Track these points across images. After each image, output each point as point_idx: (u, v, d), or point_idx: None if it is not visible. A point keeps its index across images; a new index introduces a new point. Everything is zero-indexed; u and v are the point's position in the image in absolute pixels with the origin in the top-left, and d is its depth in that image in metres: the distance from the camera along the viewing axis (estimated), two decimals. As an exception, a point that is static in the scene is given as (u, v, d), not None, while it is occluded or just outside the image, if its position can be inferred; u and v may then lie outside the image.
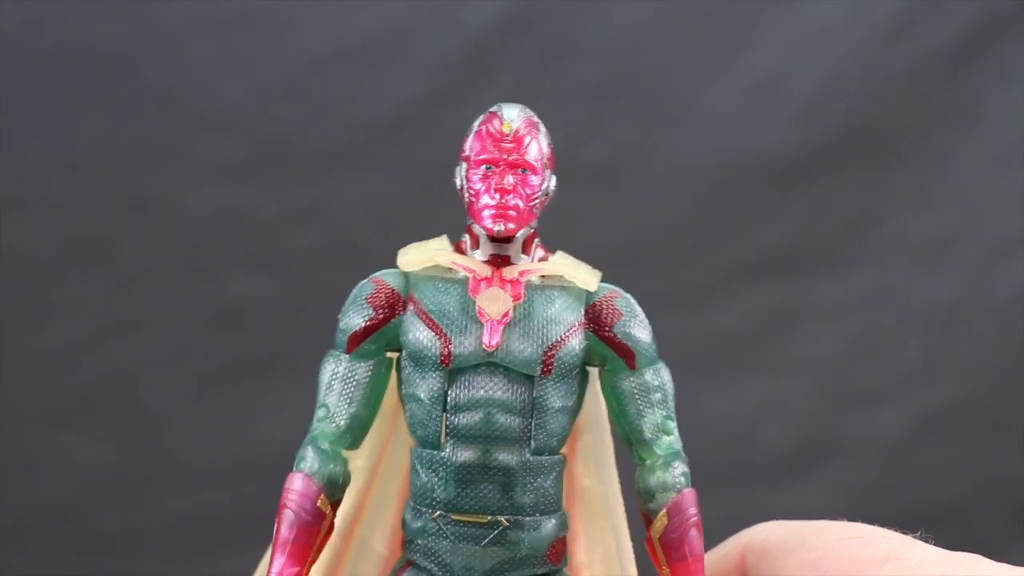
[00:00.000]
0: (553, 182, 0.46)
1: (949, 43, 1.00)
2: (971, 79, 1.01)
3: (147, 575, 0.94)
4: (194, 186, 0.96)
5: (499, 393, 0.44)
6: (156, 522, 0.95)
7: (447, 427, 0.44)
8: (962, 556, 0.43)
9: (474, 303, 0.44)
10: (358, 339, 0.45)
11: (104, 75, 0.96)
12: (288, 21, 0.97)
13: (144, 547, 0.94)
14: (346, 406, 0.45)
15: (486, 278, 0.44)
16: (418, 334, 0.44)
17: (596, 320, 0.45)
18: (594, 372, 0.46)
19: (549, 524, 0.44)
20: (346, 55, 0.97)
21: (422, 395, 0.44)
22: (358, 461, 0.47)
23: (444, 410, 0.44)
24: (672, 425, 0.45)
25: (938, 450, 1.00)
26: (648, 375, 0.45)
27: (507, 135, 0.45)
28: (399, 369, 0.45)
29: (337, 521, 0.45)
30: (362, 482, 0.47)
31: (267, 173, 0.97)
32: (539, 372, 0.44)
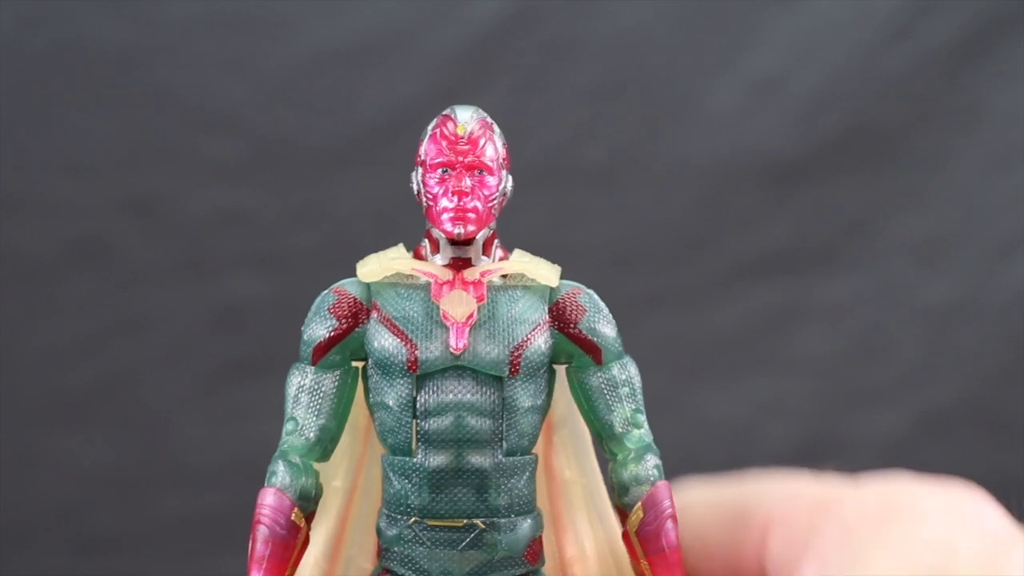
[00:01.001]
0: (510, 182, 0.46)
1: (950, 43, 1.00)
2: (972, 79, 1.01)
3: (147, 575, 0.94)
4: (194, 186, 0.96)
5: (468, 396, 0.43)
6: (156, 522, 0.95)
7: (418, 433, 0.43)
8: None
9: (438, 308, 0.43)
10: (323, 350, 0.45)
11: (104, 75, 0.96)
12: (288, 21, 0.97)
13: (144, 547, 0.94)
14: (314, 418, 0.45)
15: (448, 282, 0.44)
16: (384, 341, 0.44)
17: (560, 317, 0.45)
18: (561, 369, 0.46)
19: (525, 524, 0.44)
20: (346, 55, 0.97)
21: (391, 402, 0.44)
22: (335, 482, 0.46)
23: (414, 416, 0.43)
24: (642, 418, 0.45)
25: (938, 450, 1.00)
26: (615, 370, 0.45)
27: (462, 137, 0.44)
28: (365, 379, 0.45)
29: (321, 543, 0.45)
30: (341, 502, 0.46)
31: (267, 173, 0.97)
32: (507, 372, 0.43)
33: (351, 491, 0.47)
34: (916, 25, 1.00)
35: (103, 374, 0.95)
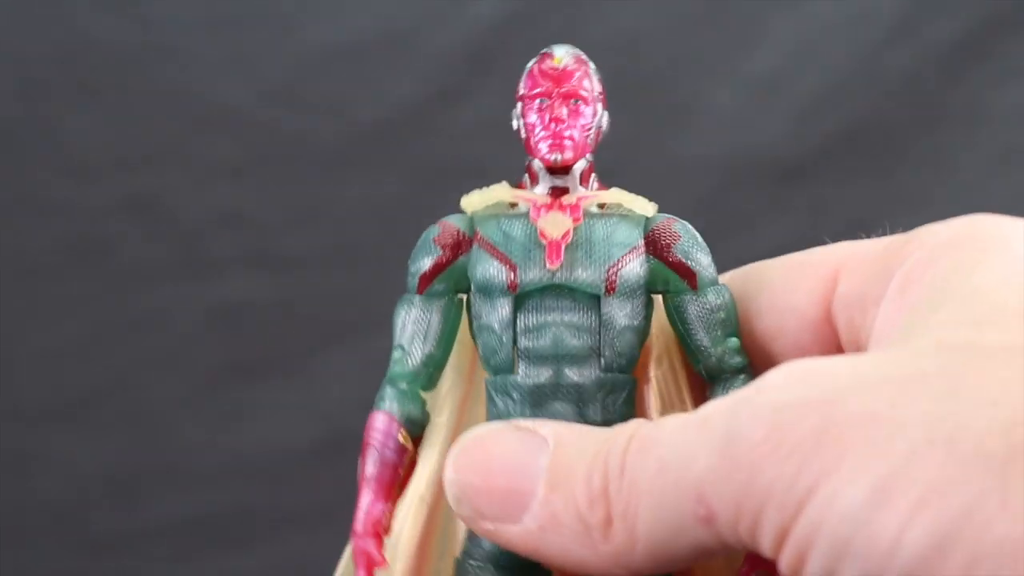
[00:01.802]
0: (606, 118, 0.47)
1: (950, 43, 1.00)
2: (973, 79, 1.01)
3: (147, 575, 0.94)
4: (194, 186, 0.96)
5: (566, 314, 0.45)
6: (156, 522, 0.95)
7: (518, 351, 0.45)
8: None
9: (536, 229, 0.45)
10: (428, 279, 0.46)
11: (104, 75, 0.96)
12: (288, 21, 0.97)
13: (144, 547, 0.94)
14: (420, 345, 0.45)
15: (546, 205, 0.45)
16: (485, 265, 0.45)
17: (656, 243, 0.46)
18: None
19: None
20: (346, 55, 0.97)
21: (494, 323, 0.45)
22: (440, 419, 0.47)
23: (514, 335, 0.45)
24: (737, 342, 0.46)
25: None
26: (711, 295, 0.46)
27: (557, 68, 0.46)
28: (470, 307, 0.46)
29: (425, 476, 0.45)
30: (445, 437, 0.47)
31: (267, 173, 0.97)
32: (603, 291, 0.45)
33: (454, 427, 0.47)
34: (917, 25, 1.00)
35: (102, 374, 0.95)
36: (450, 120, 0.97)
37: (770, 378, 0.36)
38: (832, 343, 0.44)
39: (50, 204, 0.95)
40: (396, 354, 0.46)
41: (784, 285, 0.46)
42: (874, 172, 1.00)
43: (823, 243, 0.48)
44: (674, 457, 0.36)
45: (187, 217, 0.96)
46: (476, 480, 0.42)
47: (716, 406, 0.36)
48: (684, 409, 0.47)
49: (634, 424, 0.39)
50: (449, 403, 0.47)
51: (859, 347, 0.42)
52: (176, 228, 0.96)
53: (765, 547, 0.34)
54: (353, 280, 0.95)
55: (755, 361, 0.46)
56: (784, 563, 0.34)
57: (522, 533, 0.40)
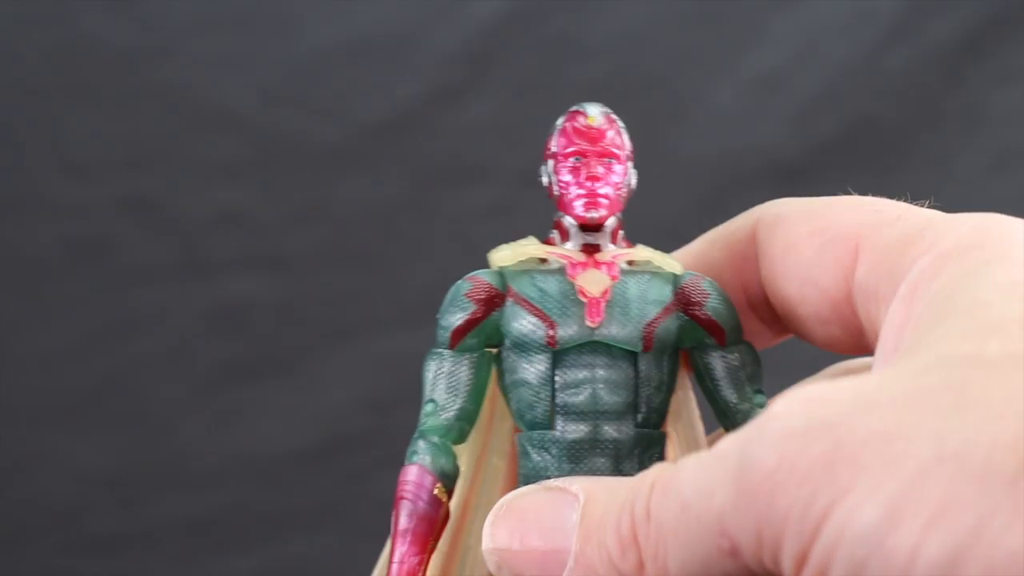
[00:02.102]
0: (635, 176, 0.48)
1: (950, 43, 1.00)
2: (973, 79, 1.01)
3: (147, 575, 0.94)
4: (194, 186, 0.96)
5: (604, 371, 0.45)
6: (156, 522, 0.95)
7: (556, 406, 0.45)
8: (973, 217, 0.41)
9: (573, 286, 0.45)
10: (461, 334, 0.46)
11: (104, 75, 0.96)
12: (288, 21, 0.97)
13: (144, 547, 0.94)
14: (453, 400, 0.46)
15: (582, 263, 0.46)
16: (522, 320, 0.45)
17: (686, 300, 0.47)
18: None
19: None
20: (346, 54, 0.97)
21: (531, 378, 0.45)
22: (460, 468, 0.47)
23: (552, 391, 0.45)
24: (763, 398, 0.47)
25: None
26: (738, 352, 0.47)
27: (593, 128, 0.47)
28: (499, 362, 0.46)
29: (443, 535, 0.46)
30: (464, 488, 0.47)
31: (267, 173, 0.97)
32: (641, 348, 0.45)
33: (471, 480, 0.48)
34: (917, 25, 1.00)
35: (102, 374, 0.95)
36: (450, 120, 0.97)
37: (777, 408, 0.36)
38: (852, 322, 0.45)
39: (50, 204, 0.95)
40: (428, 408, 0.45)
41: (808, 255, 0.46)
42: (874, 172, 1.00)
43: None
44: (694, 495, 0.37)
45: (187, 217, 0.96)
46: (514, 545, 0.42)
47: (729, 442, 0.37)
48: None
49: (656, 469, 0.40)
50: (466, 457, 0.47)
51: (875, 337, 0.42)
52: (176, 228, 0.96)
53: (786, 571, 0.35)
54: (353, 280, 0.95)
55: (784, 319, 0.47)
56: None
57: None
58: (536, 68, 0.98)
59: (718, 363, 0.47)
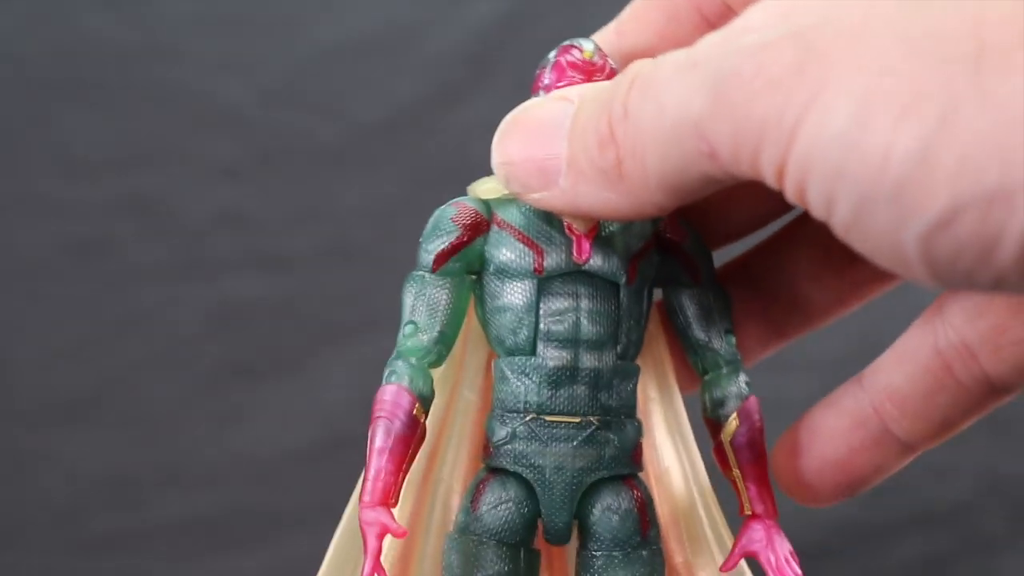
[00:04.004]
0: None
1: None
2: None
3: (147, 575, 0.94)
4: (194, 186, 0.96)
5: (587, 300, 0.46)
6: (156, 522, 0.95)
7: (539, 332, 0.45)
8: None
9: (560, 220, 0.45)
10: (444, 257, 0.46)
11: (104, 74, 0.96)
12: (288, 21, 0.97)
13: (144, 547, 0.94)
14: (432, 322, 0.46)
15: None
16: (509, 247, 0.46)
17: (666, 238, 0.48)
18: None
19: (632, 426, 0.47)
20: (346, 54, 0.97)
21: (515, 304, 0.46)
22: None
23: (536, 317, 0.45)
24: (733, 338, 0.48)
25: (938, 450, 1.00)
26: (711, 291, 0.48)
27: (587, 61, 0.47)
28: (479, 288, 0.47)
29: (413, 466, 0.46)
30: (434, 426, 0.47)
31: (267, 173, 0.97)
32: (624, 280, 0.46)
33: (445, 410, 0.48)
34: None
35: (102, 374, 0.95)
36: (450, 120, 0.97)
37: (752, 17, 0.36)
38: None
39: (50, 204, 0.95)
40: (407, 329, 0.46)
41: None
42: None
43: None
44: (671, 100, 0.37)
45: (187, 217, 0.96)
46: (515, 154, 0.43)
47: (705, 50, 0.37)
48: (673, 398, 0.49)
49: (634, 67, 0.40)
50: (438, 390, 0.47)
51: None
52: (176, 228, 0.96)
53: (768, 179, 0.35)
54: (353, 280, 0.95)
55: None
56: (788, 193, 0.35)
57: (560, 195, 0.42)
58: (536, 68, 0.98)
59: (690, 301, 0.48)
